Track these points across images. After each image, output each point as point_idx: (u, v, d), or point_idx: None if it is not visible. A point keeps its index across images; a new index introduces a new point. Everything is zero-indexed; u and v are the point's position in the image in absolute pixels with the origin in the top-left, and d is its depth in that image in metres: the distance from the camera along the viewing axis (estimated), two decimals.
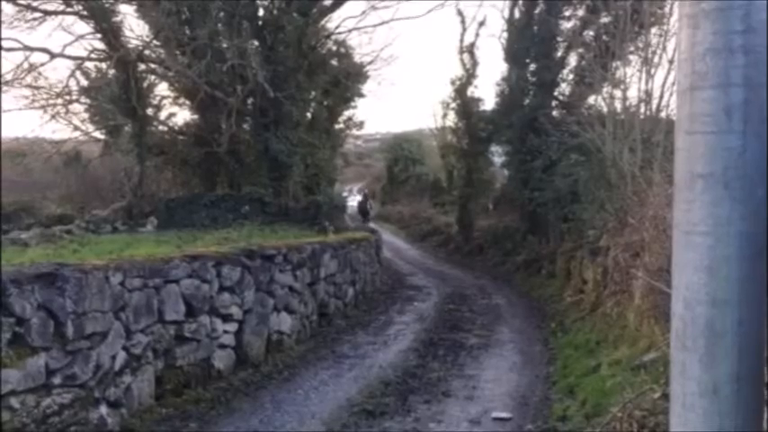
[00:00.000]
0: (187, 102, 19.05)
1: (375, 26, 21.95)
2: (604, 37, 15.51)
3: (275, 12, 18.11)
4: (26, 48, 15.70)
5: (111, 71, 17.85)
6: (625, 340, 8.47)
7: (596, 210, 12.64)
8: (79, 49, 17.53)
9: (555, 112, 19.24)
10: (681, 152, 1.40)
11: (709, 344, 1.32)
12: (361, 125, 24.27)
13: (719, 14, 1.30)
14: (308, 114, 19.99)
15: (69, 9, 16.61)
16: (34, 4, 15.93)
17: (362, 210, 29.09)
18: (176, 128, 19.99)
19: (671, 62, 11.66)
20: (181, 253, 8.10)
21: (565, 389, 7.82)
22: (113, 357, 6.29)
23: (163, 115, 20.29)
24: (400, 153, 39.20)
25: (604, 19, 16.80)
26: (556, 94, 20.06)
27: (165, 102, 20.07)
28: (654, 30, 13.40)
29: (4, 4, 14.90)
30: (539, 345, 10.79)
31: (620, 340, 8.66)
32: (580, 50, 18.87)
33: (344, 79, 19.93)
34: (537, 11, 20.04)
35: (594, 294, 11.88)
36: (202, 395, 7.38)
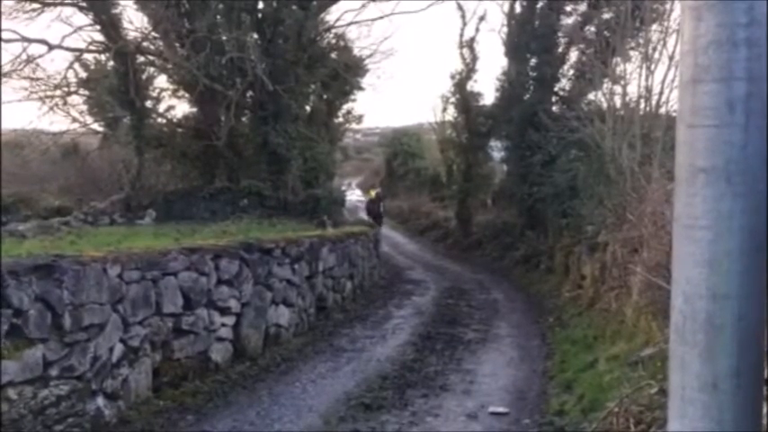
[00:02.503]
0: (186, 94, 19.00)
1: (374, 19, 21.81)
2: (605, 33, 15.50)
3: (275, 4, 18.04)
4: (24, 39, 15.65)
5: (110, 63, 17.82)
6: (623, 336, 8.48)
7: (595, 205, 12.64)
8: (78, 41, 17.52)
9: (555, 108, 19.20)
10: (682, 146, 1.39)
11: (709, 338, 1.31)
12: (360, 119, 24.28)
13: (723, 6, 1.29)
14: (307, 108, 19.96)
15: (68, 0, 16.54)
16: None
17: (374, 213, 24.54)
18: (175, 120, 19.95)
19: (671, 58, 11.66)
20: (179, 246, 8.10)
21: (562, 384, 7.84)
22: (111, 349, 6.29)
23: (162, 108, 20.28)
24: (399, 147, 39.16)
25: (605, 15, 16.77)
26: (556, 89, 20.03)
27: (163, 94, 20.07)
28: (654, 26, 13.40)
29: None
30: (536, 339, 10.80)
31: (618, 336, 8.67)
32: (581, 46, 18.84)
33: (344, 73, 19.89)
34: (538, 6, 20.01)
35: (592, 290, 11.90)
36: (200, 388, 7.39)
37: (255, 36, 17.83)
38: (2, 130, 17.17)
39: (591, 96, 17.88)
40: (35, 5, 16.09)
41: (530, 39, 19.71)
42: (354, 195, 39.45)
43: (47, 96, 17.80)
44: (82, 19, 17.04)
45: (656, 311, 7.28)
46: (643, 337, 7.62)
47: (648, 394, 5.24)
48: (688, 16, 1.36)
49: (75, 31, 16.70)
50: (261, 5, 18.25)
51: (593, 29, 18.34)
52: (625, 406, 5.23)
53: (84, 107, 20.15)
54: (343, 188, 26.34)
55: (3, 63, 15.69)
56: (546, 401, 7.35)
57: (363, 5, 20.06)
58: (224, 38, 17.36)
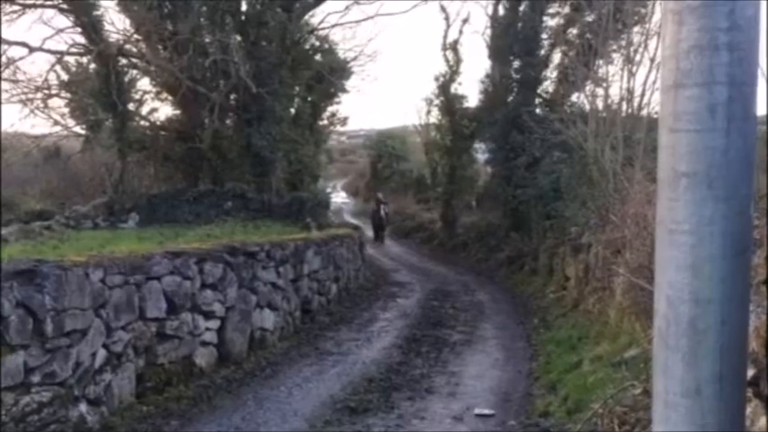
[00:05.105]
0: (169, 97, 18.91)
1: (358, 22, 21.90)
2: (587, 35, 15.60)
3: (258, 7, 18.00)
4: (5, 41, 15.50)
5: (92, 65, 17.68)
6: (606, 336, 8.54)
7: (578, 207, 12.71)
8: (59, 43, 17.44)
9: (538, 110, 19.31)
10: (664, 150, 1.39)
11: (692, 343, 1.32)
12: (344, 121, 24.28)
13: (704, 11, 1.30)
14: (292, 110, 19.93)
15: (49, 2, 16.40)
16: None
17: (377, 222, 25.64)
18: (158, 123, 19.84)
19: (652, 61, 11.75)
20: (162, 249, 8.03)
21: (547, 385, 7.86)
22: (93, 355, 6.22)
23: (144, 110, 20.15)
24: (384, 149, 39.15)
25: (588, 17, 16.88)
26: (539, 91, 20.13)
27: (146, 97, 19.93)
28: (636, 29, 13.52)
29: None
30: (521, 341, 10.83)
31: (602, 336, 8.73)
32: (563, 48, 18.95)
33: (328, 75, 19.87)
34: (521, 8, 20.09)
35: (576, 291, 11.96)
36: (184, 393, 7.32)
37: (239, 38, 17.79)
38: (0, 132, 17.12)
39: (574, 98, 18.02)
40: (15, 7, 15.93)
41: (513, 41, 19.78)
42: (339, 197, 39.45)
43: (28, 99, 17.66)
44: (63, 21, 16.95)
45: (638, 312, 7.33)
46: (626, 337, 7.67)
47: (632, 395, 5.28)
48: (669, 21, 1.36)
49: (56, 34, 16.60)
50: (244, 8, 18.21)
51: (575, 31, 18.46)
52: (609, 407, 5.26)
53: (66, 110, 19.99)
54: (328, 190, 26.35)
55: None
56: (531, 403, 7.37)
57: (347, 8, 20.07)
58: (207, 40, 17.33)
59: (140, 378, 7.01)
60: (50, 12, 16.57)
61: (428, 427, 6.68)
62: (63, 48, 17.02)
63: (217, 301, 8.49)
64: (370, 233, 24.70)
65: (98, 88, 16.92)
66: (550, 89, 20.04)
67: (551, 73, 20.05)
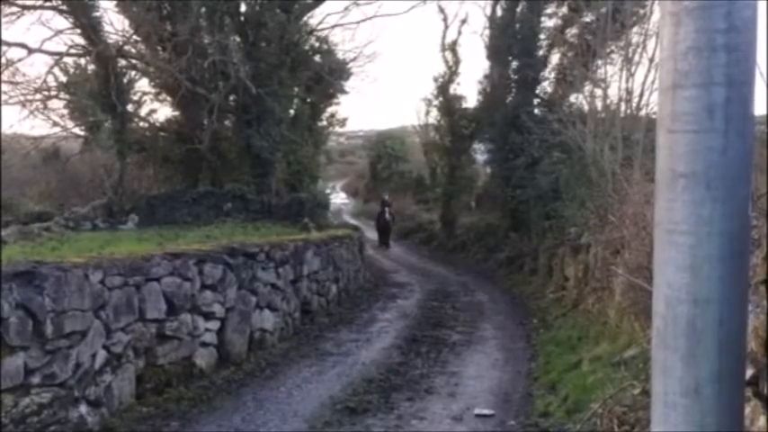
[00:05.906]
0: (168, 98, 18.90)
1: (358, 22, 21.81)
2: (586, 36, 15.62)
3: (257, 8, 18.01)
4: (4, 43, 15.49)
5: (91, 66, 17.67)
6: (606, 336, 8.54)
7: (577, 207, 12.72)
8: (58, 44, 17.36)
9: (537, 110, 19.32)
10: (662, 151, 1.39)
11: (691, 343, 1.32)
12: (344, 122, 24.24)
13: (702, 12, 1.30)
14: (291, 111, 19.91)
15: (48, 4, 16.40)
16: None
17: (382, 225, 25.45)
18: (157, 124, 19.82)
19: (651, 61, 11.78)
20: (162, 251, 8.03)
21: (547, 385, 7.87)
22: (93, 356, 6.23)
23: (144, 111, 20.14)
24: (383, 150, 39.18)
25: (586, 18, 16.90)
26: (538, 92, 20.15)
27: (145, 98, 19.91)
28: (635, 29, 13.54)
29: None
30: (521, 341, 10.84)
31: (601, 336, 8.73)
32: (562, 49, 18.97)
33: (327, 76, 19.87)
34: (519, 9, 20.11)
35: (576, 291, 11.97)
36: (184, 394, 7.33)
37: (238, 39, 17.79)
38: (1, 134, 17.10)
39: (572, 99, 18.04)
40: (14, 9, 15.92)
41: (511, 42, 19.80)
42: (339, 198, 39.46)
43: (27, 100, 17.62)
44: (62, 22, 16.93)
45: (638, 312, 7.33)
46: (626, 337, 7.68)
47: (631, 395, 5.28)
48: (667, 22, 1.36)
49: (55, 35, 16.57)
50: (243, 8, 18.21)
51: (574, 32, 18.48)
52: (609, 407, 5.26)
53: (65, 111, 19.94)
54: (328, 191, 26.34)
55: None
56: (531, 403, 7.38)
57: (346, 9, 20.07)
58: (206, 41, 17.32)
59: (140, 379, 7.01)
60: (49, 13, 16.60)
61: (428, 428, 6.69)
62: (62, 49, 17.01)
63: (216, 302, 8.49)
64: (369, 234, 24.63)
65: (97, 89, 16.91)
66: (549, 90, 20.06)
67: (550, 73, 20.09)
